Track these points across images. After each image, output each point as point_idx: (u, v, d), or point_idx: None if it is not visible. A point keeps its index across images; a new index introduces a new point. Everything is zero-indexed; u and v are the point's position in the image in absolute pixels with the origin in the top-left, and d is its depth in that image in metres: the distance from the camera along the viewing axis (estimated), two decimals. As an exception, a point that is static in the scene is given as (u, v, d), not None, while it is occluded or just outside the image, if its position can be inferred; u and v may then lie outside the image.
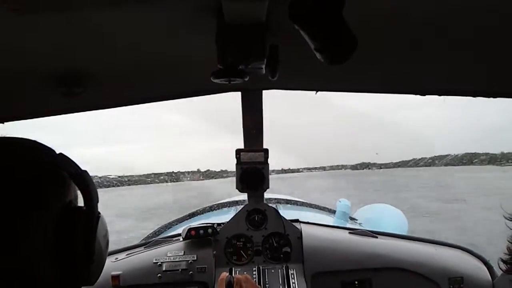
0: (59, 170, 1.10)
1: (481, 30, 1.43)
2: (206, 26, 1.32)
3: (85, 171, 1.12)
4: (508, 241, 1.25)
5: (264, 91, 2.95)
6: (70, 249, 1.04)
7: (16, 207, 0.97)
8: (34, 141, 1.13)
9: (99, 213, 1.15)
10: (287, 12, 1.06)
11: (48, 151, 1.13)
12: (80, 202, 1.14)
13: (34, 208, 1.00)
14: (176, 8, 1.22)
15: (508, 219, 1.24)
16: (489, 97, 2.12)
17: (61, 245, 1.03)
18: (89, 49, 1.58)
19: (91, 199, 1.11)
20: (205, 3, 1.17)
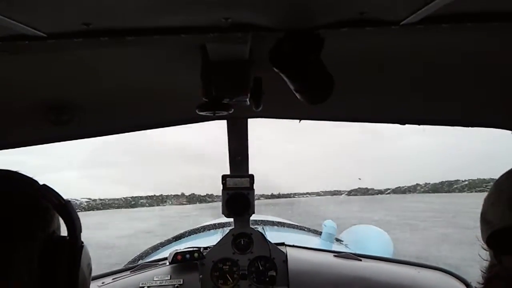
0: (43, 201, 1.10)
1: (452, 66, 1.51)
2: (192, 62, 1.37)
3: (68, 201, 1.13)
4: (481, 270, 1.27)
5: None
6: (54, 279, 1.05)
7: (1, 239, 0.98)
8: (16, 172, 1.14)
9: (82, 242, 1.16)
10: (269, 48, 1.12)
11: (31, 182, 1.13)
12: (63, 232, 1.14)
13: (19, 240, 1.01)
14: (162, 46, 1.27)
15: (484, 249, 1.27)
16: (465, 126, 2.20)
17: (46, 275, 1.04)
18: (76, 82, 1.62)
19: (75, 229, 1.11)
20: (190, 43, 1.22)
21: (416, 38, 1.25)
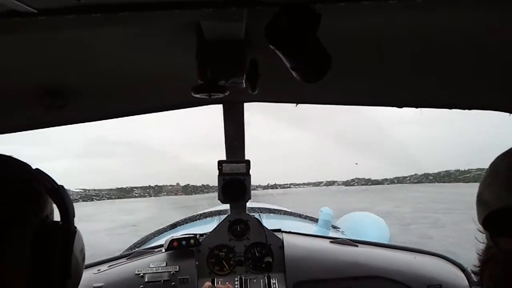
0: (36, 186, 1.10)
1: (452, 47, 1.49)
2: (186, 43, 1.34)
3: (61, 186, 1.12)
4: (477, 253, 1.27)
5: (247, 104, 2.99)
6: (47, 264, 1.05)
7: None
8: (9, 157, 1.13)
9: (75, 227, 1.15)
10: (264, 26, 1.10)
11: (24, 166, 1.13)
12: (56, 217, 1.14)
13: (11, 225, 1.00)
14: (156, 25, 1.25)
15: (480, 231, 1.26)
16: (464, 109, 2.18)
17: (38, 261, 1.03)
18: (71, 64, 1.59)
19: (68, 214, 1.11)
20: (185, 22, 1.20)
21: (414, 17, 1.23)
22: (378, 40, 1.47)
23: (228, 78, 1.49)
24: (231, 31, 1.24)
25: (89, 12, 1.00)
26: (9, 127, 2.24)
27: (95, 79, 1.83)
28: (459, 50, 1.52)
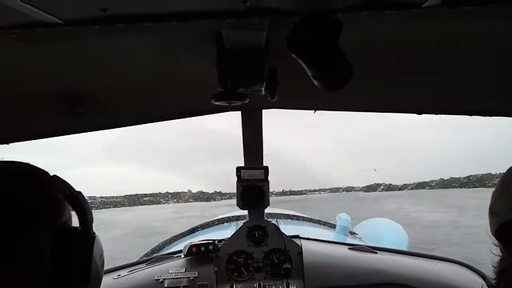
0: (54, 192, 1.10)
1: (474, 54, 1.48)
2: (207, 51, 1.36)
3: (80, 192, 1.13)
4: (493, 265, 1.27)
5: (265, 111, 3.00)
6: (67, 270, 1.05)
7: (12, 230, 0.98)
8: (27, 164, 1.14)
9: (94, 233, 1.16)
10: (285, 36, 1.10)
11: (42, 173, 1.14)
12: (75, 223, 1.15)
13: (30, 231, 1.01)
14: (177, 33, 1.26)
15: (495, 245, 1.26)
16: (485, 116, 2.16)
17: (58, 266, 1.04)
18: (93, 72, 1.62)
19: (86, 219, 1.12)
20: (206, 30, 1.21)
21: (437, 24, 1.22)
22: (398, 48, 1.46)
23: (248, 86, 1.50)
24: (251, 39, 1.25)
25: (114, 23, 1.01)
26: (31, 134, 2.28)
27: (115, 86, 1.86)
28: (481, 58, 1.51)
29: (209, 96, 1.56)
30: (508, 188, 1.22)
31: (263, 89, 1.56)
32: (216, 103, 1.56)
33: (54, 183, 1.12)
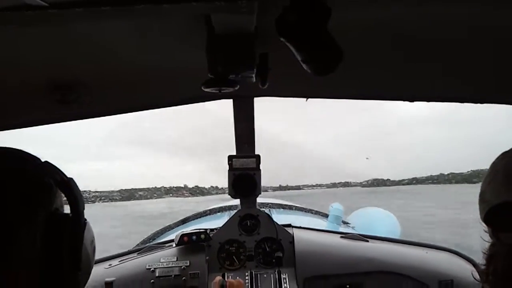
0: (45, 178, 1.09)
1: (464, 40, 1.47)
2: (196, 37, 1.34)
3: (71, 179, 1.12)
4: (483, 251, 1.29)
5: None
6: (58, 256, 1.04)
7: (3, 217, 0.97)
8: (19, 150, 1.13)
9: (85, 219, 1.15)
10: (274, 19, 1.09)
11: (33, 159, 1.12)
12: (66, 209, 1.14)
13: (21, 217, 1.00)
14: (166, 19, 1.24)
15: (485, 231, 1.29)
16: (476, 103, 2.16)
17: (48, 253, 1.03)
18: (81, 58, 1.59)
19: (77, 206, 1.11)
20: (195, 15, 1.19)
21: (430, 9, 1.21)
22: (390, 34, 1.45)
23: (239, 72, 1.48)
24: (241, 24, 1.24)
25: (99, 5, 0.99)
26: (21, 122, 2.25)
27: (105, 73, 1.83)
28: (471, 45, 1.50)
29: (199, 84, 1.54)
30: (496, 175, 1.25)
31: (254, 75, 1.55)
32: (207, 90, 1.55)
33: (45, 169, 1.11)
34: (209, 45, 1.37)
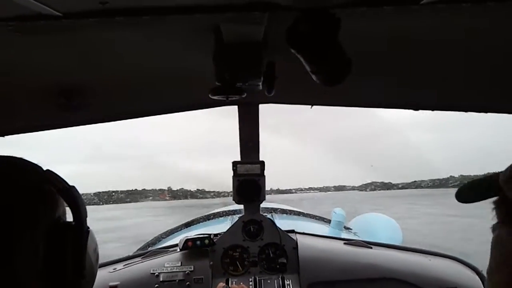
0: (47, 186, 1.09)
1: (471, 50, 1.48)
2: (205, 45, 1.35)
3: (73, 187, 1.12)
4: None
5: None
6: (61, 265, 1.05)
7: (5, 226, 0.97)
8: (20, 158, 1.13)
9: (88, 227, 1.15)
10: (283, 30, 1.10)
11: (35, 167, 1.13)
12: (69, 217, 1.14)
13: (24, 226, 1.00)
14: (176, 27, 1.25)
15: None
16: (480, 112, 2.17)
17: (52, 261, 1.03)
18: (91, 65, 1.61)
19: (80, 214, 1.11)
20: (204, 23, 1.20)
21: (436, 20, 1.23)
22: (397, 44, 1.46)
23: (246, 80, 1.50)
24: (250, 34, 1.25)
25: (113, 16, 1.01)
26: (27, 127, 2.27)
27: (114, 80, 1.85)
28: (479, 54, 1.51)
29: (206, 91, 1.55)
30: None
31: (260, 83, 1.56)
32: (214, 97, 1.56)
33: (47, 177, 1.11)
34: (217, 53, 1.38)
